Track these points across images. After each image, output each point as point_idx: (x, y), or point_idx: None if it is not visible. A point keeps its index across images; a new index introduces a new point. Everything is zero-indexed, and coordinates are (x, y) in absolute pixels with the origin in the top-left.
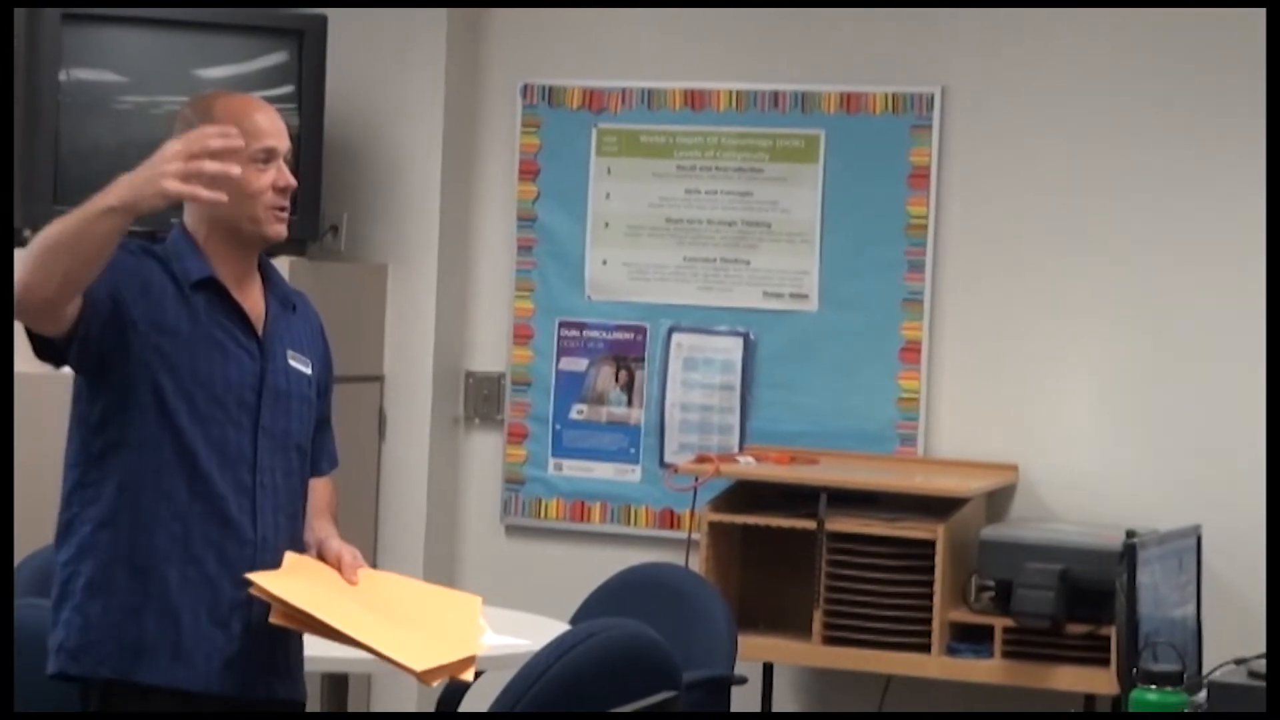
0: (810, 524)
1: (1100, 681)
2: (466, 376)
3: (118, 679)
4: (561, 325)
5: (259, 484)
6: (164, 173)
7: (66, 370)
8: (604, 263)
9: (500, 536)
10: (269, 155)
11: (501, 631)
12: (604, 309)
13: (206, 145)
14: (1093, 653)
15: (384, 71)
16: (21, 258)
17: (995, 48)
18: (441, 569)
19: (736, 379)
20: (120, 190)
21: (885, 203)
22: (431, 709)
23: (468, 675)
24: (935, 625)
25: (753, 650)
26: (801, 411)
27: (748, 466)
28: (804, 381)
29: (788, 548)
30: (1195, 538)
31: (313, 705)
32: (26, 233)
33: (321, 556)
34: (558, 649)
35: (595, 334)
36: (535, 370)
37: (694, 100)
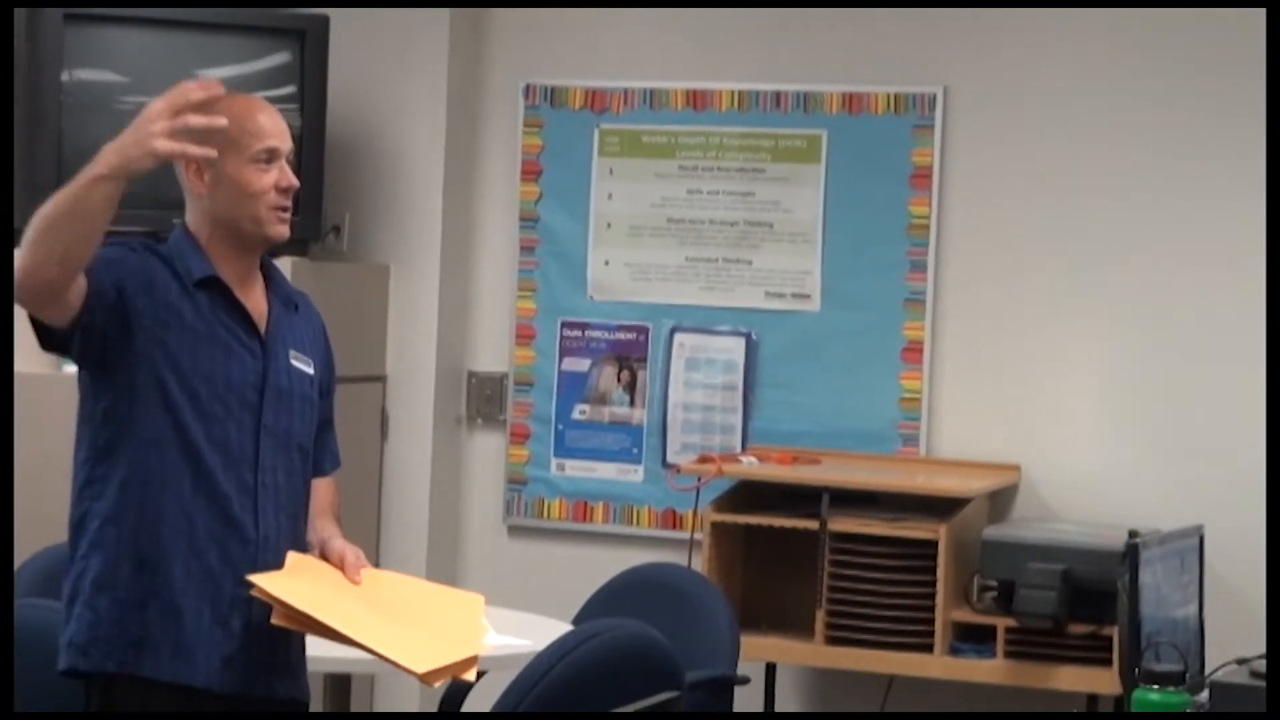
0: (812, 524)
1: (1102, 681)
2: (469, 376)
3: (122, 673)
4: (564, 325)
5: (261, 483)
6: (151, 132)
7: (67, 370)
8: (606, 263)
9: (503, 537)
10: (271, 155)
11: (504, 632)
12: (606, 309)
13: (189, 99)
14: (1095, 653)
15: (386, 72)
16: (20, 246)
17: (997, 48)
18: (444, 569)
19: (739, 379)
20: (109, 157)
21: (887, 203)
22: (434, 709)
23: (470, 675)
24: (937, 625)
25: (755, 650)
26: (803, 411)
27: (750, 466)
28: (806, 381)
29: (790, 548)
30: (1197, 538)
31: (315, 705)
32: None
33: (324, 556)
34: (560, 649)
35: (597, 334)
36: (537, 370)
37: (696, 100)
